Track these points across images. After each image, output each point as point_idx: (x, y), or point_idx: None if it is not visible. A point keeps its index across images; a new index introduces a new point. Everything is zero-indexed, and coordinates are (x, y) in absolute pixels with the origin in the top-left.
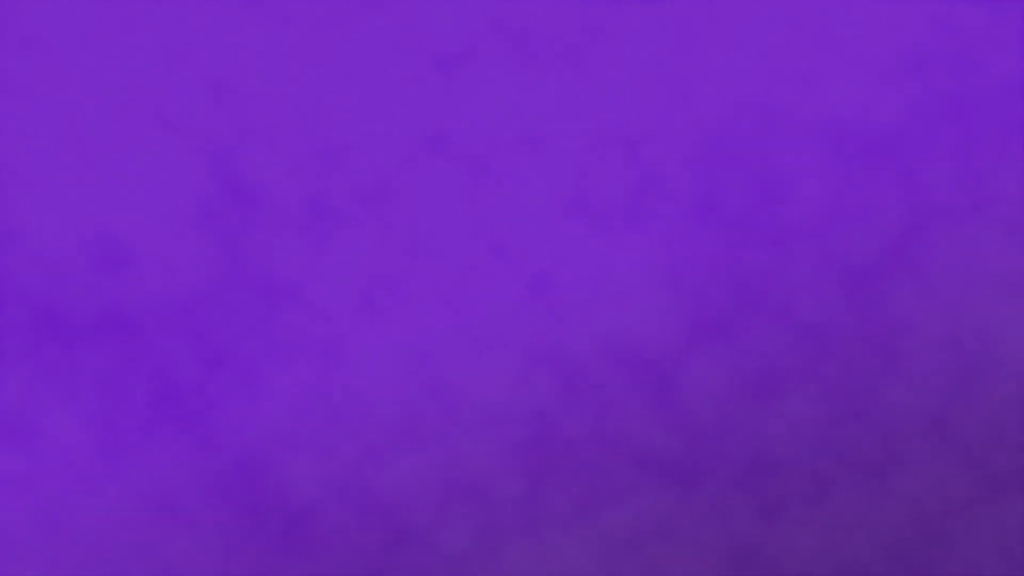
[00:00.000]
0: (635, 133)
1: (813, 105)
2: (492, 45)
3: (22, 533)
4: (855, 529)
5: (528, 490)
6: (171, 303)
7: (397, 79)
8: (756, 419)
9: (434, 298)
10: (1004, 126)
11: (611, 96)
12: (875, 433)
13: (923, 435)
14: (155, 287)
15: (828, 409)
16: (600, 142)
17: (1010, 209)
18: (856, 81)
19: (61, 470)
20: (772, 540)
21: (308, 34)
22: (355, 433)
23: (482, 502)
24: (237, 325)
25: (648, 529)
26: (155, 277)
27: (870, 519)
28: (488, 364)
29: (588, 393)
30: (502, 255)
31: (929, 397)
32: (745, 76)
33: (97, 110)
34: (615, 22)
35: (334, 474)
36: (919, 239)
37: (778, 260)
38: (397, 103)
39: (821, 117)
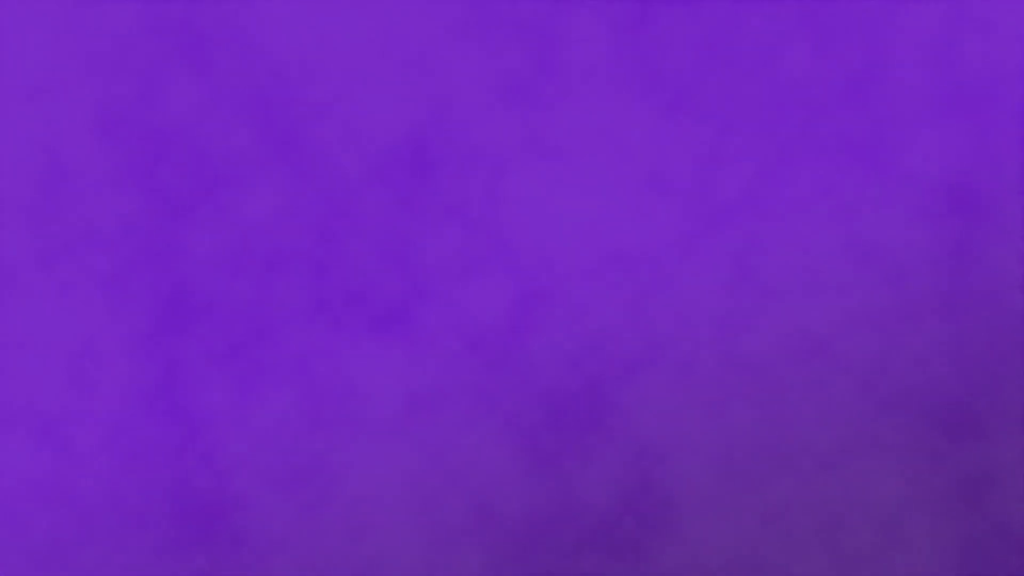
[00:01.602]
0: (635, 133)
1: (814, 106)
2: (489, 43)
3: (27, 531)
4: (864, 532)
5: (529, 492)
6: (171, 305)
7: (388, 78)
8: (761, 422)
9: (430, 303)
10: (1007, 126)
11: (605, 100)
12: (873, 434)
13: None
14: (158, 288)
15: (831, 415)
16: (599, 143)
17: (1012, 210)
18: (857, 81)
19: (70, 468)
20: (774, 545)
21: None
22: (355, 434)
23: (481, 505)
24: (238, 323)
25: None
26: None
27: (877, 521)
28: (488, 365)
29: (593, 396)
30: (501, 254)
31: (935, 397)
32: (744, 76)
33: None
34: (611, 23)
35: (331, 474)
36: (920, 237)
37: (781, 263)
38: (391, 103)
39: (823, 117)
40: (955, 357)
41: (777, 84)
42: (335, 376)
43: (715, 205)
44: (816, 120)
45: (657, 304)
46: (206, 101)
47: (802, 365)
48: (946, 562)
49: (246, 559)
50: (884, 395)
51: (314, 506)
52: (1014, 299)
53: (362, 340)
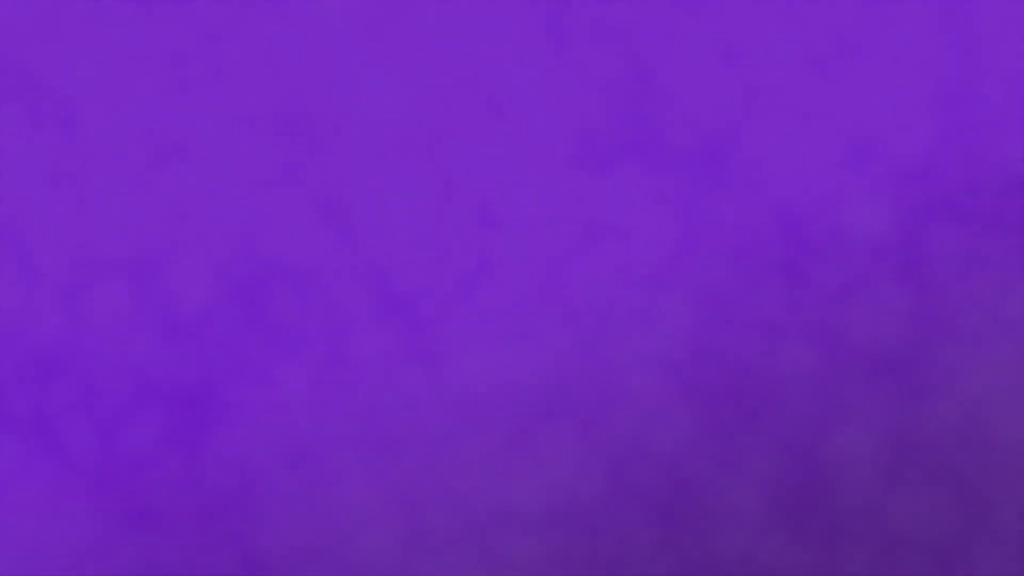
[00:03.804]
0: (632, 133)
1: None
2: (493, 49)
3: (26, 536)
4: (863, 532)
5: (528, 493)
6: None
7: (396, 78)
8: (761, 420)
9: (431, 304)
10: (1008, 125)
11: (600, 106)
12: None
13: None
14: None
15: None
16: (601, 150)
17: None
18: (857, 84)
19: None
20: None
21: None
22: (356, 435)
23: (484, 506)
24: (241, 322)
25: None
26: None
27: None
28: (487, 367)
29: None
30: (503, 256)
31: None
32: (744, 79)
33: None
34: (609, 20)
35: (333, 481)
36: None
37: (780, 261)
38: (401, 102)
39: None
40: (956, 356)
41: (774, 83)
42: (336, 377)
43: (716, 204)
44: (814, 118)
45: (655, 303)
46: (210, 104)
47: (802, 361)
48: (945, 564)
49: (247, 562)
50: (883, 392)
51: (312, 509)
52: (1015, 298)
53: (362, 340)
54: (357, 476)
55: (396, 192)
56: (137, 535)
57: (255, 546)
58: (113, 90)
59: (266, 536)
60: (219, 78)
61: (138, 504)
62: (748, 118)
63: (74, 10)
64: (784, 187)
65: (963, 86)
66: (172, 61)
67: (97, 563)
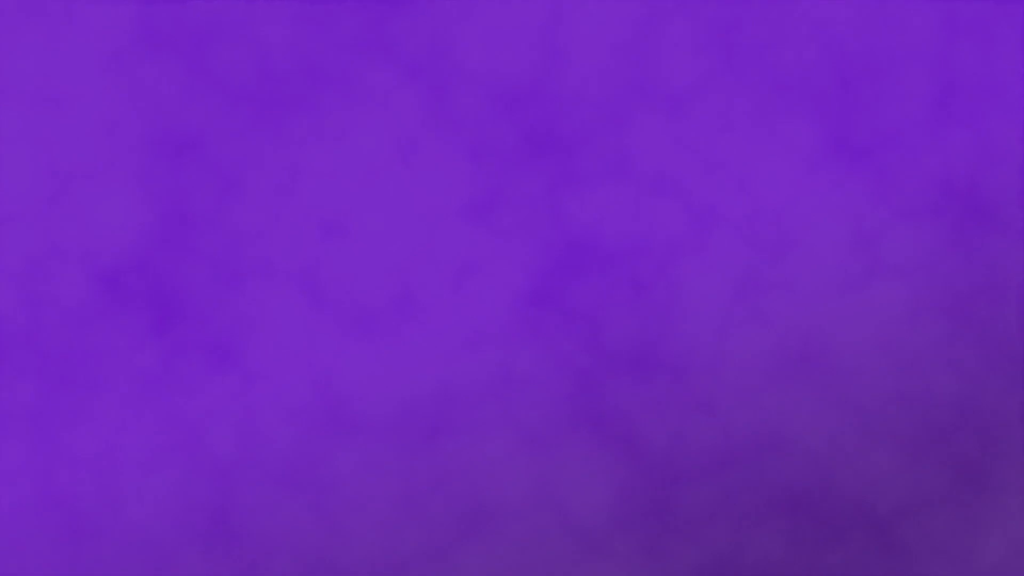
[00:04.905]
0: (634, 134)
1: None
2: (487, 51)
3: (28, 531)
4: (862, 532)
5: (527, 495)
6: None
7: (382, 82)
8: (761, 421)
9: (428, 304)
10: (1007, 126)
11: (608, 104)
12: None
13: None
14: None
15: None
16: (597, 143)
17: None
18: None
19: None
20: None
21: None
22: (353, 436)
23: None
24: (238, 320)
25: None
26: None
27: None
28: (486, 366)
29: (605, 399)
30: (500, 256)
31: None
32: (742, 75)
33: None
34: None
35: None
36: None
37: (781, 261)
38: (387, 106)
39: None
40: (955, 356)
41: (774, 83)
42: (333, 377)
43: (715, 204)
44: (815, 118)
45: (657, 304)
46: (206, 103)
47: (802, 364)
48: (943, 563)
49: (245, 563)
50: (882, 394)
51: (311, 509)
52: (1015, 298)
53: (360, 341)
54: (356, 476)
55: (395, 191)
56: (137, 535)
57: (255, 546)
58: (111, 90)
59: (266, 537)
60: (219, 77)
61: (137, 505)
62: (745, 118)
63: (73, 9)
64: (782, 187)
65: (962, 85)
66: (171, 60)
67: (97, 563)
